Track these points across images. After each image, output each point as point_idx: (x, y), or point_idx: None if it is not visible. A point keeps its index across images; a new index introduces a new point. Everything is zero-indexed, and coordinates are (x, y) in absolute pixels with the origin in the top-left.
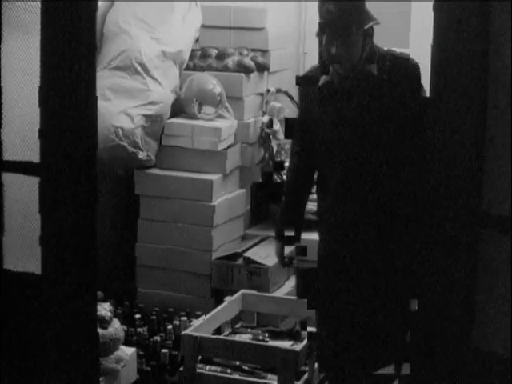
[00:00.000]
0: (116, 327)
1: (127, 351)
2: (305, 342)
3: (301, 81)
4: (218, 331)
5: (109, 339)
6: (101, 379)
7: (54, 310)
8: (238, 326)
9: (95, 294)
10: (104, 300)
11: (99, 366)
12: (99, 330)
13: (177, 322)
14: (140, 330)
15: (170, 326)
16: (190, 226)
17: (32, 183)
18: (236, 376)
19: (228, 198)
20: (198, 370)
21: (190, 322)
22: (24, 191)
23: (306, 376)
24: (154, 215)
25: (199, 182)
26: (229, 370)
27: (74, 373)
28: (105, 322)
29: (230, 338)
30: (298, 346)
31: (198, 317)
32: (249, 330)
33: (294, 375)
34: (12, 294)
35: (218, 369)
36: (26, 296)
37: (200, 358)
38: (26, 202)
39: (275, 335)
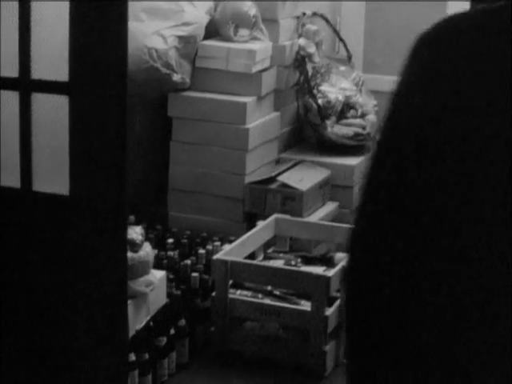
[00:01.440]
0: (147, 251)
1: (157, 275)
2: (338, 267)
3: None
4: (251, 257)
5: (138, 262)
6: (129, 302)
7: (82, 232)
8: (270, 251)
9: (125, 216)
10: (136, 224)
11: (127, 289)
12: (129, 253)
13: (209, 247)
14: (171, 253)
15: (201, 251)
16: (224, 150)
17: (61, 103)
18: (268, 301)
19: (262, 121)
20: (230, 296)
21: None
22: (53, 111)
23: (338, 302)
24: (187, 138)
25: (233, 104)
26: (260, 295)
27: (101, 295)
28: (135, 246)
29: (261, 262)
30: (331, 272)
31: (231, 242)
32: (281, 255)
33: (326, 301)
34: (40, 216)
35: (249, 294)
36: (54, 218)
37: (231, 282)
38: (55, 122)
39: (308, 261)
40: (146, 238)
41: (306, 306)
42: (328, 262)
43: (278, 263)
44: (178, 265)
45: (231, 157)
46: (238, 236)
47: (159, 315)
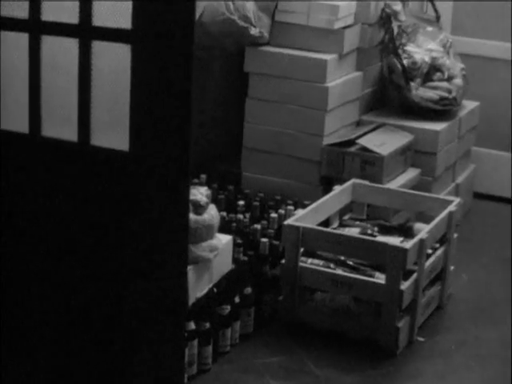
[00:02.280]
0: (212, 214)
1: (222, 239)
2: (416, 239)
3: None
4: (326, 223)
5: (202, 226)
6: (189, 268)
7: (141, 191)
8: (346, 217)
9: (188, 175)
10: (208, 183)
11: (187, 254)
12: (192, 216)
13: (282, 211)
14: (240, 216)
15: (273, 214)
16: (302, 109)
17: (123, 52)
18: (339, 271)
19: (343, 80)
20: (300, 264)
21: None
22: (113, 61)
23: (415, 276)
24: (264, 95)
25: (313, 61)
26: (332, 265)
27: (159, 259)
28: (199, 208)
29: (334, 230)
30: (408, 244)
31: (305, 207)
32: (357, 222)
33: (401, 274)
34: (97, 172)
35: (321, 263)
36: (112, 175)
37: (302, 250)
38: (116, 72)
39: (385, 230)
40: (216, 199)
41: (380, 278)
42: (406, 232)
43: (354, 231)
44: (247, 229)
45: (309, 116)
46: (313, 200)
47: (223, 282)
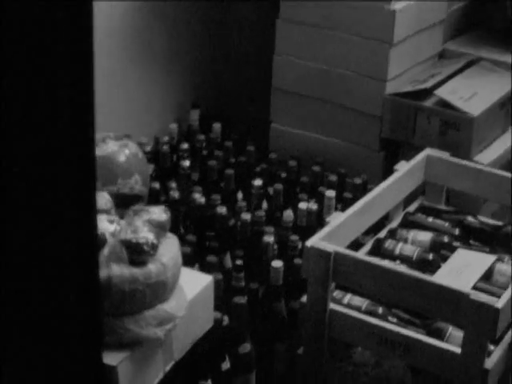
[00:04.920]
0: (164, 262)
1: (198, 283)
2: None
3: None
4: (384, 217)
5: (144, 285)
6: (123, 357)
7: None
8: (413, 209)
9: (92, 202)
10: (222, 138)
11: (102, 336)
12: (125, 270)
13: (313, 207)
14: (247, 217)
15: (302, 205)
16: (356, 39)
17: None
18: (391, 324)
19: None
20: (331, 305)
21: (343, 199)
22: None
23: (508, 337)
24: (300, 16)
25: None
26: (381, 309)
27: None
28: (142, 253)
29: (383, 264)
30: (501, 300)
31: (355, 188)
32: (430, 219)
33: (487, 343)
34: None
35: (365, 303)
36: None
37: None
38: None
39: (471, 235)
40: (223, 175)
41: (454, 338)
42: (503, 241)
43: (422, 238)
44: (254, 237)
45: (367, 51)
46: (369, 172)
47: (202, 346)
